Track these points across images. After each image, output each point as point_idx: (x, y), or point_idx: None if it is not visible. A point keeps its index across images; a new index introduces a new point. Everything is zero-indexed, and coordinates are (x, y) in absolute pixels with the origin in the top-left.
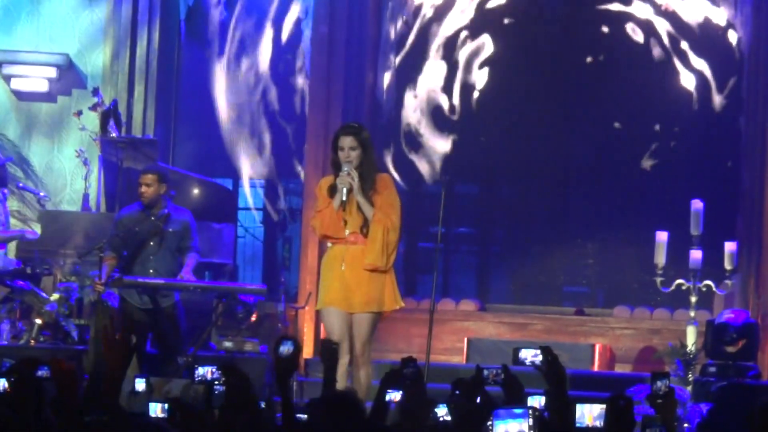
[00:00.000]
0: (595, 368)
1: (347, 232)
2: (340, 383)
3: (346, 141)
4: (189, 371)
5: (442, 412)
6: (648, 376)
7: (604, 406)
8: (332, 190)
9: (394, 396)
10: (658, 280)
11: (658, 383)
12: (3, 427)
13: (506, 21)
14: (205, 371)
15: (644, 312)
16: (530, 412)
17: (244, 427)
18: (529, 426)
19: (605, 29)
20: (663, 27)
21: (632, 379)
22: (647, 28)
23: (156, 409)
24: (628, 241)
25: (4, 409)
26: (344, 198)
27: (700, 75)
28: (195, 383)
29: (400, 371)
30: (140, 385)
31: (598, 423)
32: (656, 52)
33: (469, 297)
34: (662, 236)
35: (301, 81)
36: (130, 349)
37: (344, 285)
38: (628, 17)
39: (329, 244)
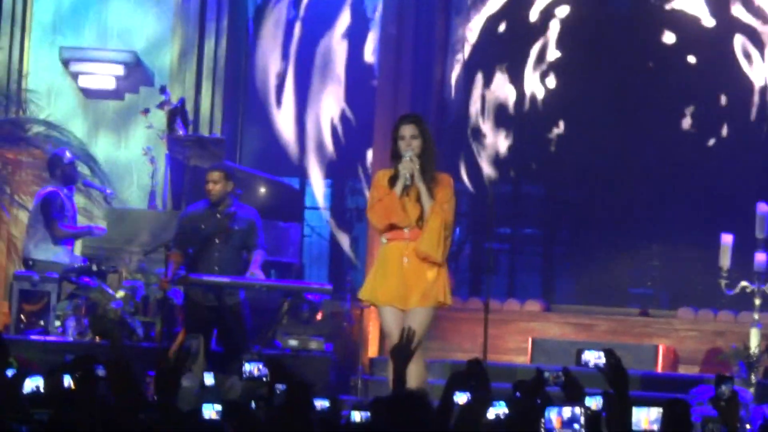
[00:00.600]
0: (659, 369)
1: (406, 230)
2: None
3: (408, 129)
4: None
5: (499, 410)
6: (711, 377)
7: (661, 410)
8: (392, 182)
9: (461, 398)
10: (723, 282)
11: (722, 387)
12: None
13: (572, 21)
14: (252, 367)
15: (708, 314)
16: (584, 409)
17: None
18: (583, 419)
19: (672, 32)
20: (732, 29)
21: (695, 381)
22: (715, 30)
23: (210, 412)
24: (693, 243)
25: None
26: (408, 182)
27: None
28: (244, 379)
29: (466, 372)
30: (209, 379)
31: (655, 427)
32: (724, 53)
33: (535, 297)
34: (727, 239)
35: (369, 80)
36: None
37: (403, 282)
38: (695, 19)
39: (384, 240)
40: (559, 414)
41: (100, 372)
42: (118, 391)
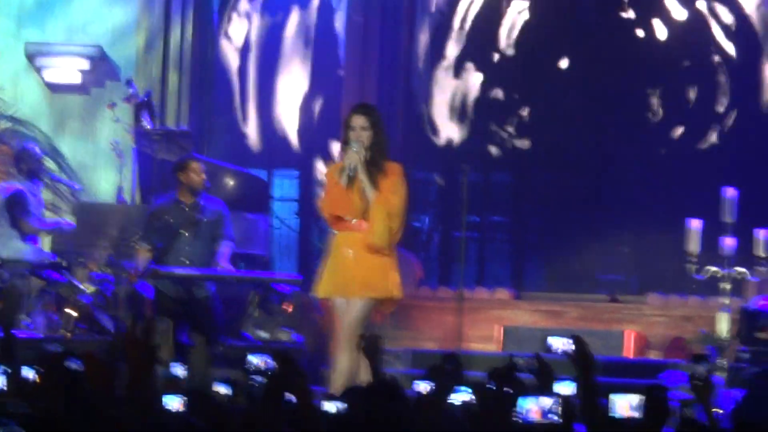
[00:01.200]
0: (628, 355)
1: (353, 220)
2: (350, 376)
3: (359, 120)
4: (226, 361)
5: (464, 397)
6: (679, 362)
7: (639, 396)
8: (341, 174)
9: (422, 387)
10: (692, 267)
11: (699, 367)
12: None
13: (541, 7)
14: (258, 361)
15: (677, 299)
16: (559, 399)
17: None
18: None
19: (640, 10)
20: (702, 9)
21: (664, 366)
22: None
23: (172, 402)
24: (661, 228)
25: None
26: (351, 173)
27: (732, 62)
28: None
29: (441, 366)
30: (179, 370)
31: (636, 414)
32: (694, 38)
33: (504, 285)
34: (695, 224)
35: (334, 70)
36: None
37: (347, 271)
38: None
39: (334, 232)
40: (538, 404)
41: (75, 365)
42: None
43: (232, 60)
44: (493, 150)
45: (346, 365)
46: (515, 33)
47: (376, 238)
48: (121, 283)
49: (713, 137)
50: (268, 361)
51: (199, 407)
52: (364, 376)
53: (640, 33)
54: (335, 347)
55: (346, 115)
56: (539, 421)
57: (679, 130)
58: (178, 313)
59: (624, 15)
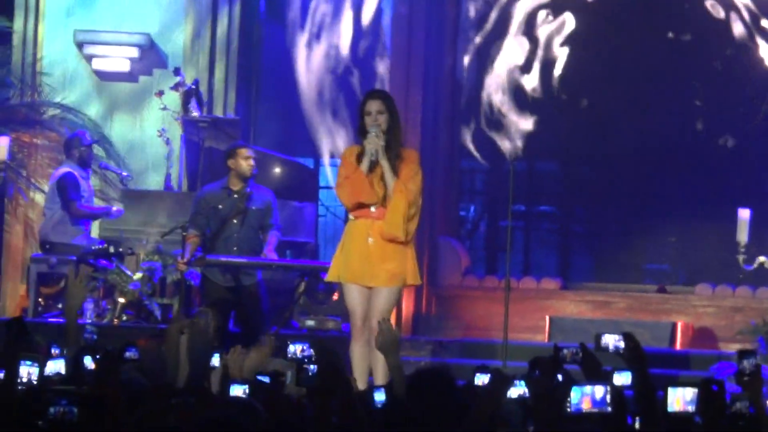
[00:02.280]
0: (677, 346)
1: (372, 208)
2: (363, 363)
3: (374, 105)
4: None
5: (519, 390)
6: (730, 354)
7: (695, 390)
8: (359, 159)
9: (481, 379)
10: (741, 257)
11: (745, 362)
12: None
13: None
14: (295, 349)
15: (726, 290)
16: (609, 388)
17: (335, 409)
18: (609, 396)
19: (686, 6)
20: (744, 3)
21: (714, 357)
22: (728, 4)
23: (236, 391)
24: (710, 218)
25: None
26: (374, 158)
27: None
28: (287, 360)
29: (555, 357)
30: (215, 360)
31: (690, 408)
32: (737, 29)
33: (551, 275)
34: (744, 214)
35: (381, 61)
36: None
37: (368, 259)
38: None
39: (351, 217)
40: (589, 394)
41: (132, 354)
42: (150, 374)
43: (283, 47)
44: (541, 139)
45: (361, 354)
46: (566, 24)
47: (393, 228)
48: (169, 271)
49: (761, 127)
50: (305, 348)
51: (260, 395)
52: (381, 371)
53: (689, 23)
54: (353, 335)
55: (362, 100)
56: (590, 411)
57: (728, 120)
58: (226, 301)
59: (674, 6)
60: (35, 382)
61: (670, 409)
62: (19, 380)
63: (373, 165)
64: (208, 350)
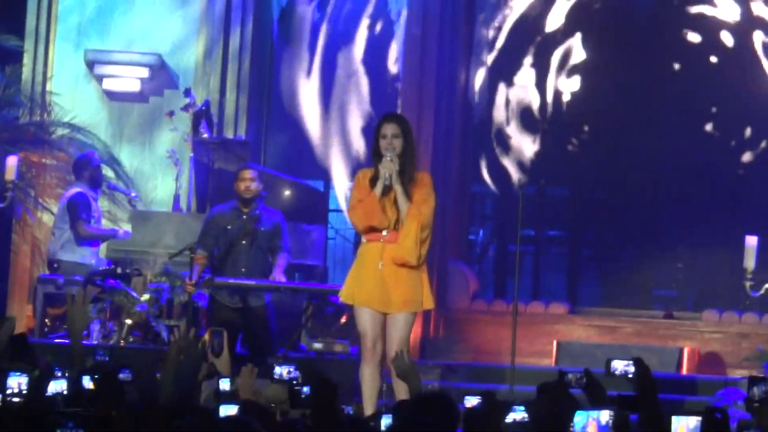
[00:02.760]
0: (684, 372)
1: (384, 232)
2: (373, 387)
3: (390, 128)
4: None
5: (518, 416)
6: (737, 379)
7: (699, 418)
8: (373, 181)
9: (471, 402)
10: (748, 284)
11: (755, 389)
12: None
13: (598, 24)
14: (281, 371)
15: (733, 316)
16: (612, 413)
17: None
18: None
19: (695, 33)
20: (754, 30)
21: (720, 383)
22: (738, 31)
23: (227, 412)
24: (717, 244)
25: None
26: (388, 182)
27: None
28: (273, 381)
29: (560, 382)
30: (225, 384)
31: None
32: (746, 56)
33: (559, 299)
34: (752, 240)
35: (394, 82)
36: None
37: (381, 284)
38: (718, 21)
39: (364, 240)
40: (595, 418)
41: (126, 376)
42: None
43: (296, 70)
44: (551, 164)
45: (372, 377)
46: (574, 48)
47: (405, 252)
48: (177, 292)
49: None
50: (291, 370)
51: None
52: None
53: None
54: (363, 357)
55: (378, 123)
56: None
57: (737, 145)
58: (234, 323)
59: (681, 35)
60: (25, 392)
61: None
62: (9, 391)
63: (387, 189)
64: (197, 369)
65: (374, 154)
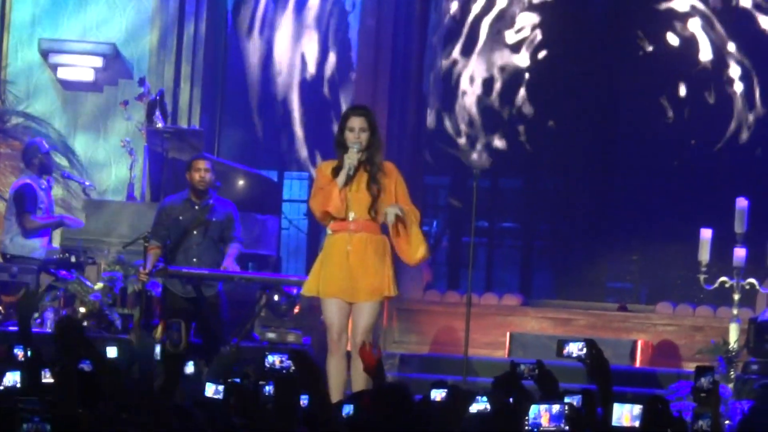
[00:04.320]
0: (637, 364)
1: (351, 217)
2: (339, 377)
3: (357, 122)
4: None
5: (480, 406)
6: (689, 372)
7: (641, 406)
8: (335, 172)
9: (438, 395)
10: (702, 277)
11: (702, 379)
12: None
13: (553, 15)
14: (274, 359)
15: (687, 309)
16: (566, 406)
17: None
18: (565, 415)
19: (653, 24)
20: (712, 24)
21: (674, 376)
22: (696, 23)
23: (211, 390)
24: (671, 237)
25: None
26: (351, 173)
27: (747, 75)
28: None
29: (512, 374)
30: (189, 368)
31: (636, 423)
32: (704, 52)
33: (513, 291)
34: (706, 233)
35: (348, 73)
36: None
37: (348, 274)
38: (677, 14)
39: (329, 231)
40: (547, 410)
41: (86, 366)
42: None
43: (246, 59)
44: (502, 156)
45: (338, 368)
46: (526, 41)
47: (426, 250)
48: (130, 281)
49: (727, 146)
50: (284, 359)
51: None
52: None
53: (651, 43)
54: (330, 349)
55: (344, 114)
56: (547, 428)
57: (691, 140)
58: (186, 312)
59: (638, 26)
60: None
61: (618, 424)
62: None
63: (349, 179)
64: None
65: (338, 145)
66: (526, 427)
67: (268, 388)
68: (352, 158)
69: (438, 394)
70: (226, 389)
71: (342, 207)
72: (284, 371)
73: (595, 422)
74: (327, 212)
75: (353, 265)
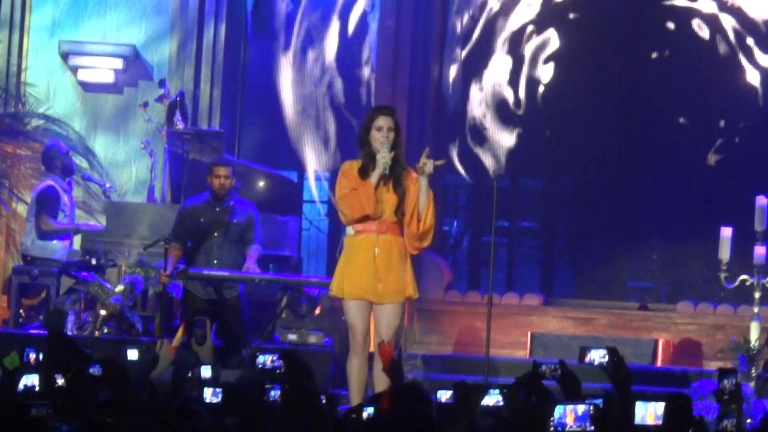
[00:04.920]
0: (658, 363)
1: (376, 222)
2: (360, 378)
3: (386, 121)
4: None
5: (492, 400)
6: (711, 371)
7: (664, 404)
8: (361, 172)
9: (444, 396)
10: (722, 275)
11: (725, 381)
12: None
13: (572, 16)
14: (265, 359)
15: (708, 307)
16: (591, 406)
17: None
18: (591, 416)
19: (670, 25)
20: (728, 23)
21: (695, 375)
22: (712, 23)
23: (209, 394)
24: (692, 236)
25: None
26: (386, 173)
27: (765, 71)
28: (255, 371)
29: (534, 373)
30: (206, 372)
31: (660, 422)
32: (721, 47)
33: (533, 291)
34: (727, 232)
35: (367, 73)
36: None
37: (375, 276)
38: (694, 13)
39: (352, 232)
40: (572, 410)
41: (96, 371)
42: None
43: (269, 60)
44: (525, 155)
45: (360, 368)
46: (549, 39)
47: (429, 240)
48: (151, 283)
49: (747, 144)
50: (274, 358)
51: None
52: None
53: (673, 41)
54: (353, 350)
55: (371, 114)
56: (573, 428)
57: (711, 137)
58: (207, 314)
59: (657, 25)
60: None
61: (641, 422)
62: None
63: (385, 179)
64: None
65: (363, 145)
66: (551, 428)
67: (274, 393)
68: (386, 158)
69: (444, 395)
70: (224, 392)
71: (378, 207)
72: (275, 371)
73: (618, 423)
74: (365, 215)
75: (379, 266)
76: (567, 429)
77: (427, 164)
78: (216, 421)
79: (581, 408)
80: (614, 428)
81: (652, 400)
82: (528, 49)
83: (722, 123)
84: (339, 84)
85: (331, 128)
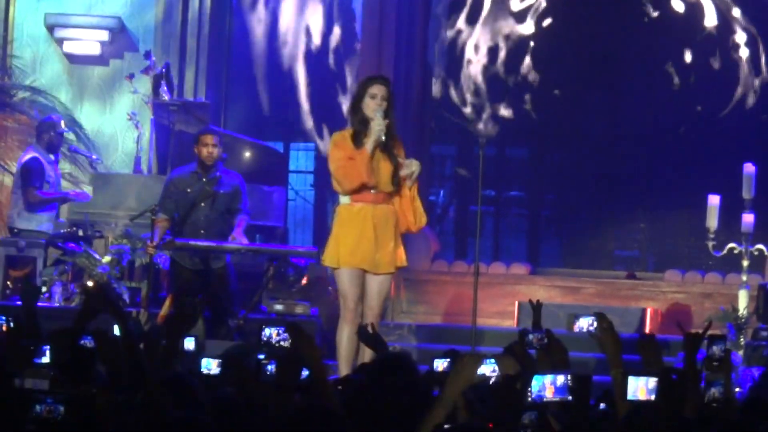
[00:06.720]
0: (647, 332)
1: (372, 191)
2: (350, 347)
3: (381, 90)
4: (240, 334)
5: (488, 368)
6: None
7: (657, 379)
8: (355, 141)
9: (441, 365)
10: (710, 243)
11: (714, 347)
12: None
13: None
14: (270, 332)
15: (696, 276)
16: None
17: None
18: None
19: None
20: None
21: (683, 343)
22: None
23: (209, 365)
24: (679, 205)
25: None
26: (383, 139)
27: (753, 41)
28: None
29: (521, 342)
30: (189, 344)
31: (653, 397)
32: (709, 18)
33: (520, 260)
34: (714, 200)
35: (352, 44)
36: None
37: (371, 246)
38: None
39: (346, 201)
40: (551, 381)
41: (88, 342)
42: (108, 363)
43: (251, 32)
44: (508, 124)
45: (350, 337)
46: (531, 9)
47: (425, 220)
48: (138, 254)
49: (733, 112)
50: (280, 332)
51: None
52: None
53: (656, 9)
54: (344, 318)
55: (365, 82)
56: (551, 399)
57: (698, 106)
58: (194, 285)
59: None
60: None
61: (633, 397)
62: None
63: (381, 146)
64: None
65: (355, 112)
66: (529, 399)
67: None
68: (381, 125)
69: (441, 364)
70: (222, 364)
71: (373, 176)
72: (280, 344)
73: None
74: (363, 183)
75: (378, 236)
76: (545, 401)
77: (412, 165)
78: (212, 393)
79: (560, 379)
80: (683, 402)
81: (646, 375)
82: (515, 18)
83: (699, 108)
84: (324, 54)
85: (317, 99)
